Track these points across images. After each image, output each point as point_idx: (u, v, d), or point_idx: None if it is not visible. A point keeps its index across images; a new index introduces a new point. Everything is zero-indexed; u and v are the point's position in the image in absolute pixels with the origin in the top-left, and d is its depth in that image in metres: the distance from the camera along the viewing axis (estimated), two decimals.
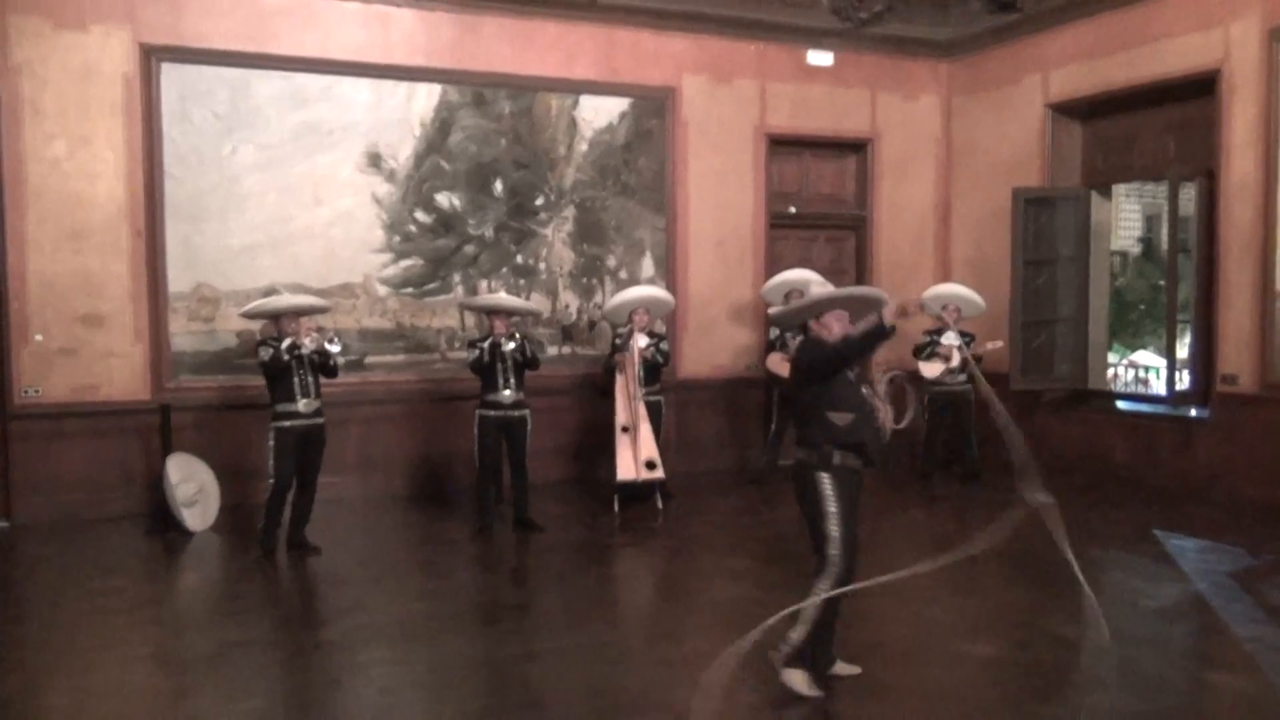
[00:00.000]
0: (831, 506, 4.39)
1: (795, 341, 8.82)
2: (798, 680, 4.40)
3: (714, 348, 9.95)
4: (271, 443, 6.89)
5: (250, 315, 7.27)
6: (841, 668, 4.65)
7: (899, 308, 4.28)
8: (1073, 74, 9.47)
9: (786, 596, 5.89)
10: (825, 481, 4.40)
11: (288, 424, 6.87)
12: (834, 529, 4.38)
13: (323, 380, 7.07)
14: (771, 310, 4.55)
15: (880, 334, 4.28)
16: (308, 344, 6.83)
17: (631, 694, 4.61)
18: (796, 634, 4.36)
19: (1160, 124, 9.18)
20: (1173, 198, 9.17)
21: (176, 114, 8.10)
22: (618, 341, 8.40)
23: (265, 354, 6.80)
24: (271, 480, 6.90)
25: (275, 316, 7.00)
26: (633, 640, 5.41)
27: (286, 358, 6.77)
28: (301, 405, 6.89)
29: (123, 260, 8.01)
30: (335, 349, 6.95)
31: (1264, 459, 7.92)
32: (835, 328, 4.49)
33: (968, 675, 4.72)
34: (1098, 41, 9.18)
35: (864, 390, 4.55)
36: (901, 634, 5.12)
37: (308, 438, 6.95)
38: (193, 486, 7.69)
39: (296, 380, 6.87)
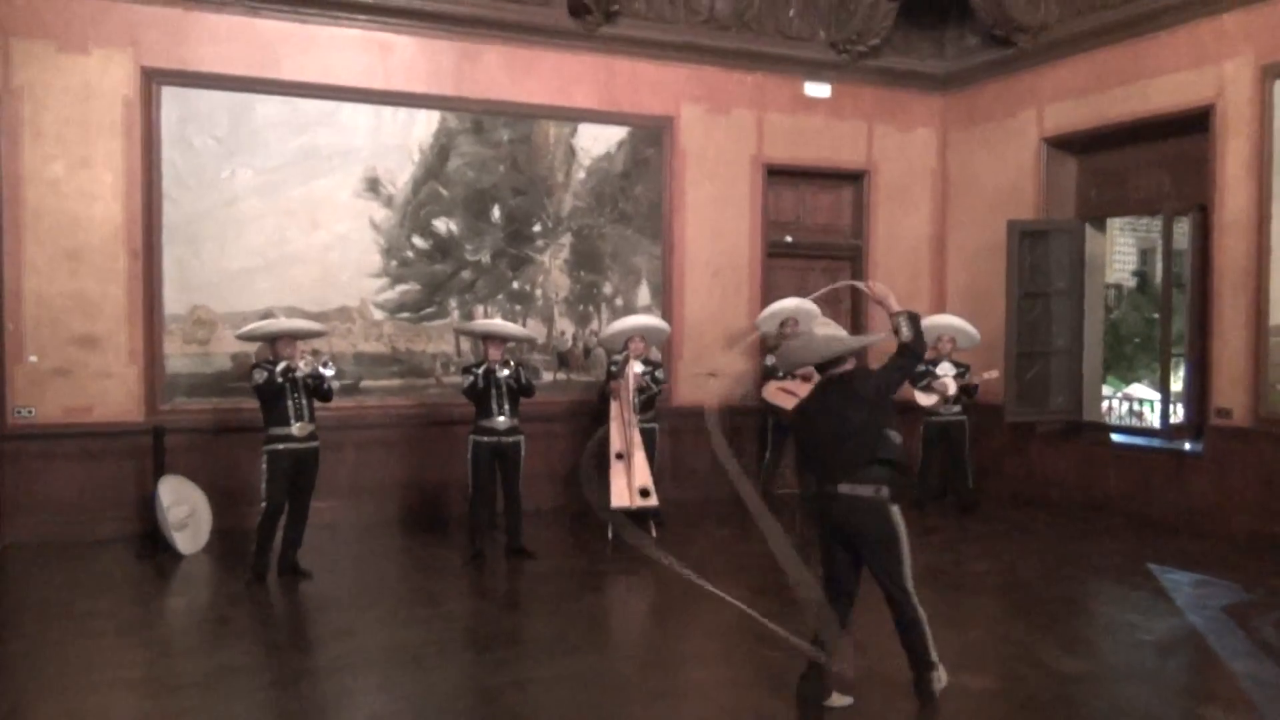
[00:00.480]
0: (904, 536, 4.53)
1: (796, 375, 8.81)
2: (942, 677, 4.61)
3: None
4: (264, 466, 6.87)
5: (246, 337, 7.28)
6: (836, 699, 4.62)
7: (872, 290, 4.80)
8: (1068, 108, 9.54)
9: (778, 625, 5.88)
10: (897, 514, 4.53)
11: (281, 447, 6.86)
12: (907, 558, 4.54)
13: (317, 404, 7.06)
14: (826, 334, 4.64)
15: (916, 320, 4.65)
16: (302, 367, 6.83)
17: None
18: (935, 657, 4.57)
19: (1154, 158, 9.24)
20: (1167, 232, 9.22)
21: (176, 137, 8.13)
22: (613, 368, 8.41)
23: (260, 377, 6.80)
24: (263, 504, 6.88)
25: (271, 339, 7.02)
26: (625, 669, 5.37)
27: (280, 381, 6.77)
28: (295, 429, 6.88)
29: (119, 282, 8.01)
30: (329, 373, 6.95)
31: (1257, 493, 7.92)
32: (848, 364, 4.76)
33: (962, 707, 4.69)
34: (1092, 77, 9.26)
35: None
36: (895, 665, 5.09)
37: (301, 462, 6.93)
38: (184, 509, 7.65)
39: (290, 404, 6.86)
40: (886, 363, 4.67)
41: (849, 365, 4.70)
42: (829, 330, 4.75)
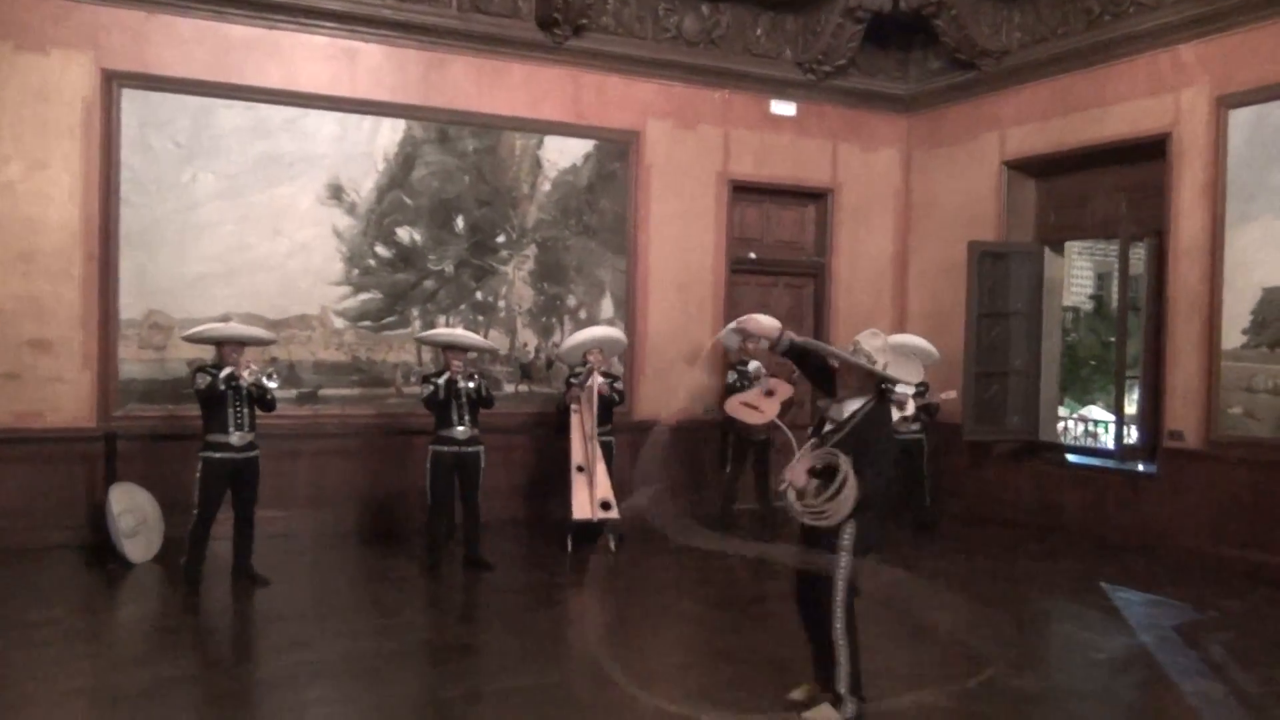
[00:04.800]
0: (846, 555, 4.41)
1: (768, 381, 8.81)
2: (849, 709, 4.45)
3: (671, 390, 9.94)
4: (199, 473, 6.79)
5: (192, 339, 7.16)
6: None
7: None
8: (1028, 133, 9.68)
9: (737, 641, 5.88)
10: (849, 530, 4.41)
11: (217, 456, 6.78)
12: (843, 579, 4.41)
13: (261, 414, 7.00)
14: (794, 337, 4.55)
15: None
16: (246, 376, 6.75)
17: None
18: (843, 690, 4.42)
19: (1112, 184, 9.39)
20: (1123, 256, 9.37)
21: (136, 140, 8.02)
22: (573, 380, 8.39)
23: (202, 382, 6.72)
24: (195, 511, 6.80)
25: (217, 344, 6.91)
26: (581, 683, 5.33)
27: (222, 388, 6.69)
28: (234, 438, 6.79)
29: (74, 285, 7.88)
30: (273, 385, 6.87)
31: (1208, 514, 8.04)
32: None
33: None
34: (1053, 102, 9.41)
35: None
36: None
37: (239, 471, 6.86)
38: (135, 517, 7.52)
39: (231, 412, 6.78)
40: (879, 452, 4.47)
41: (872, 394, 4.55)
42: (879, 342, 4.60)
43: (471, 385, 7.43)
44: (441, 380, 7.39)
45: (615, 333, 8.82)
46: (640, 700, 4.90)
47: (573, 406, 8.35)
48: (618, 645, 6.20)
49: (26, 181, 7.73)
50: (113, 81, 7.92)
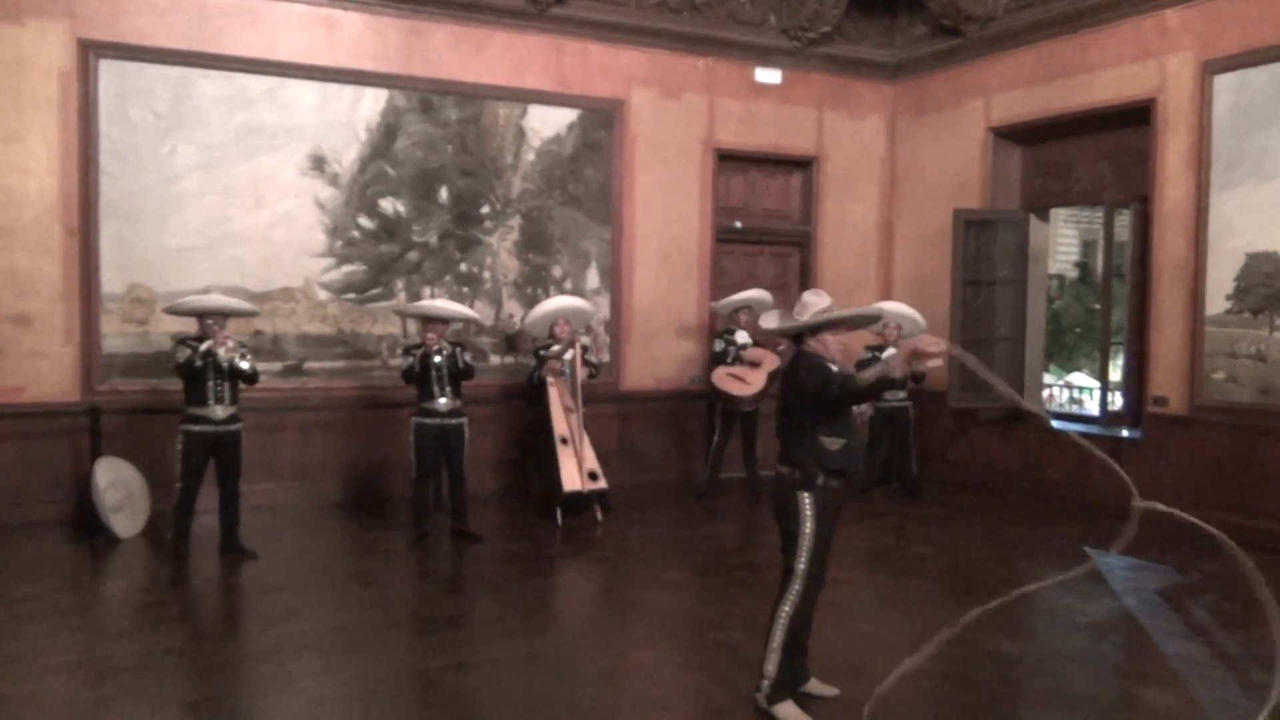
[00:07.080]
0: (808, 527, 4.34)
1: (750, 352, 8.87)
2: (789, 713, 4.33)
3: (658, 360, 9.95)
4: (179, 446, 6.78)
5: (174, 312, 7.11)
6: (816, 686, 4.60)
7: (908, 356, 4.28)
8: (1014, 99, 9.65)
9: (724, 608, 5.92)
10: (806, 501, 4.34)
11: (196, 429, 6.76)
12: (804, 552, 4.34)
13: (244, 387, 6.98)
14: (768, 325, 4.54)
15: (888, 384, 4.37)
16: (221, 354, 6.72)
17: (568, 707, 4.57)
18: (770, 665, 4.33)
19: (1097, 150, 9.38)
20: (1108, 223, 9.38)
21: (114, 112, 7.92)
22: (542, 353, 8.35)
23: (181, 355, 6.70)
24: (178, 485, 6.80)
25: (199, 315, 6.87)
26: (569, 651, 5.36)
27: (199, 363, 6.65)
28: (212, 411, 6.77)
29: (54, 259, 7.80)
30: (244, 365, 6.81)
31: (1192, 479, 8.09)
32: (831, 344, 4.48)
33: (904, 691, 4.73)
34: (1038, 68, 9.38)
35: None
36: (840, 649, 5.14)
37: (219, 444, 6.84)
38: (121, 492, 7.50)
39: (211, 385, 6.75)
40: (842, 376, 4.40)
41: (810, 345, 4.48)
42: (818, 302, 4.56)
43: (438, 360, 7.33)
44: (418, 353, 7.35)
45: (580, 302, 8.79)
46: (628, 668, 4.93)
47: (549, 379, 8.33)
48: (605, 614, 6.24)
49: (3, 154, 7.63)
50: (90, 52, 7.80)
